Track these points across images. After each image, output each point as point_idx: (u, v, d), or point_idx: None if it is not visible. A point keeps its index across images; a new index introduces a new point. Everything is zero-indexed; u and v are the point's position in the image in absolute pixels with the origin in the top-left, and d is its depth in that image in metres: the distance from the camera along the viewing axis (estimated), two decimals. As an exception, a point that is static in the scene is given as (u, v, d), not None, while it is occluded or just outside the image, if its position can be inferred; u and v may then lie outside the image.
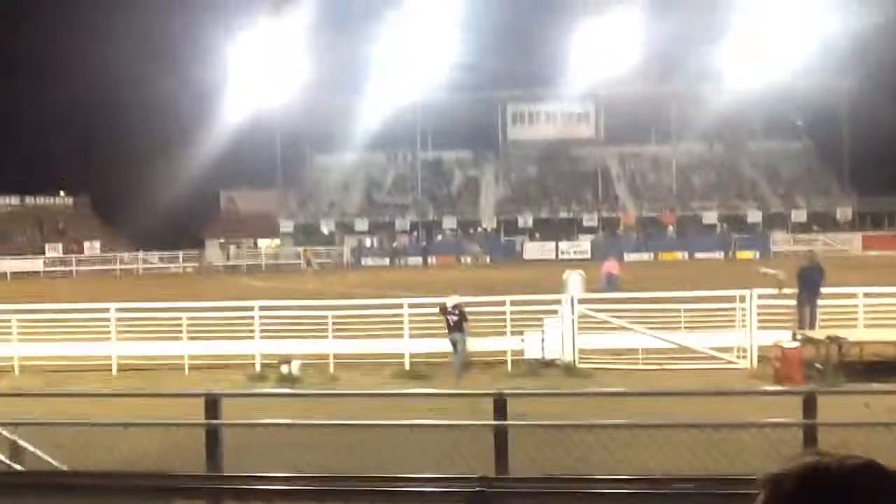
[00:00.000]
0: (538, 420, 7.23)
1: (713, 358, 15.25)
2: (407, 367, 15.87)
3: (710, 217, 62.14)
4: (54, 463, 6.80)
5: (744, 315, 15.59)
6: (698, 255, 54.76)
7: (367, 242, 62.77)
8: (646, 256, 54.97)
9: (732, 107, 58.80)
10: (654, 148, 69.91)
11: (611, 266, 25.34)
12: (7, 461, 6.72)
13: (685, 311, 15.73)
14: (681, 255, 55.71)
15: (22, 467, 6.55)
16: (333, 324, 16.19)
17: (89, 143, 68.19)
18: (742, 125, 66.11)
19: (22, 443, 6.89)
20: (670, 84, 62.24)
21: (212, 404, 6.14)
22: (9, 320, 17.11)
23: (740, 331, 15.62)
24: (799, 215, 61.38)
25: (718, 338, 15.63)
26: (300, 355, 15.73)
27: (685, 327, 15.67)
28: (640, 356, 15.37)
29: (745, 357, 15.45)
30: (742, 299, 15.68)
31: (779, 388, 12.27)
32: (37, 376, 15.98)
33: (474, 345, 15.89)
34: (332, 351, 16.04)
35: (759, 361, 15.12)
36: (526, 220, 63.45)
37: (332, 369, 15.82)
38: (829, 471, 1.15)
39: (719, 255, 54.56)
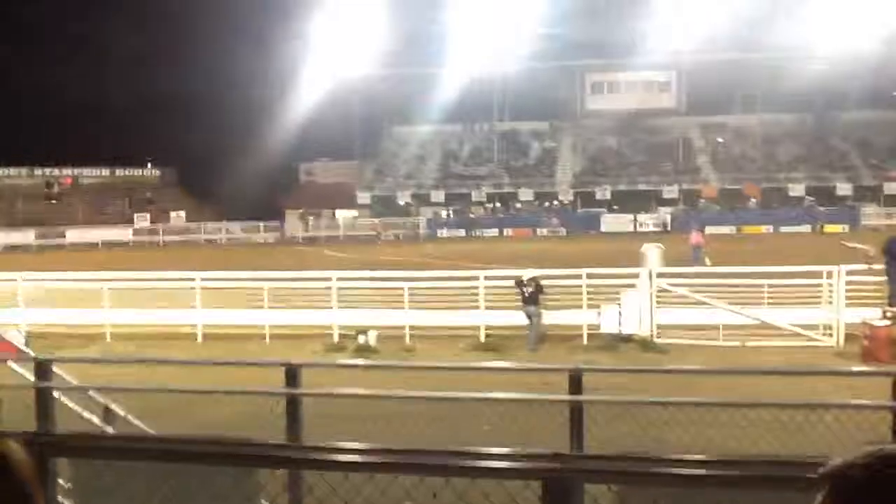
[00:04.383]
0: (614, 396, 7.17)
1: (797, 335, 14.83)
2: (482, 339, 15.92)
3: (797, 189, 60.07)
4: (143, 427, 7.10)
5: (830, 291, 15.08)
6: (783, 229, 53.14)
7: (443, 214, 62.95)
8: (727, 230, 53.61)
9: (822, 75, 56.48)
10: (738, 118, 67.81)
11: (696, 238, 25.20)
12: (101, 424, 7.04)
13: (768, 286, 15.29)
14: (765, 229, 54.13)
15: (113, 430, 6.85)
16: (409, 295, 16.33)
17: (176, 118, 70.13)
18: (832, 94, 63.41)
19: (114, 406, 7.19)
20: (756, 51, 59.98)
21: (292, 373, 6.29)
22: (101, 288, 17.82)
23: (826, 308, 15.13)
24: (892, 188, 58.79)
25: (803, 314, 15.17)
26: (377, 326, 15.95)
27: (768, 303, 15.24)
28: (720, 332, 15.04)
29: (830, 335, 14.97)
30: (829, 275, 15.17)
31: (866, 367, 11.86)
32: (127, 342, 16.65)
33: (550, 318, 15.82)
34: (408, 322, 16.21)
35: (845, 340, 14.64)
36: (604, 192, 62.55)
37: (407, 340, 15.99)
38: (895, 459, 1.11)
39: (806, 228, 52.83)
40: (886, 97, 65.19)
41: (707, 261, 22.87)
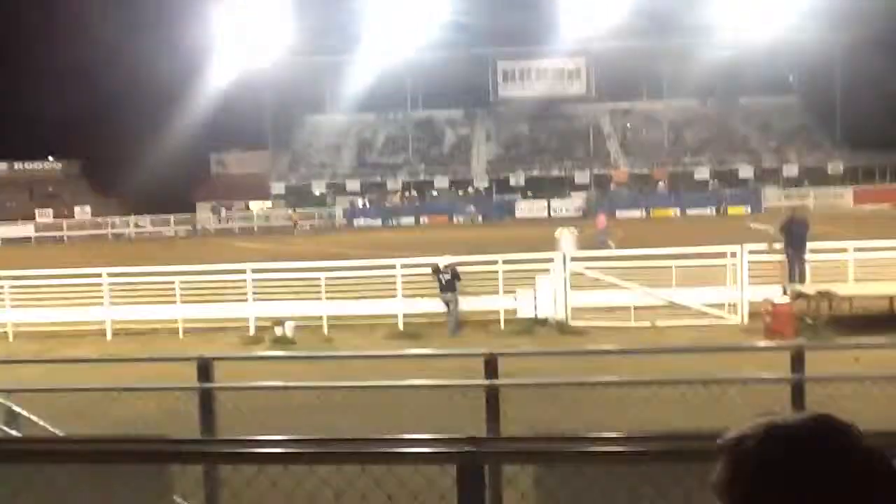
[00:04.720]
0: (530, 379, 7.28)
1: (704, 314, 15.35)
2: (401, 327, 15.94)
3: (703, 173, 62.12)
4: (50, 428, 6.84)
5: (735, 271, 15.66)
6: (690, 212, 54.89)
7: (360, 203, 62.64)
8: (637, 213, 55.07)
9: (725, 62, 58.47)
10: (645, 104, 69.63)
11: (600, 222, 25.94)
12: (3, 427, 6.75)
13: (676, 267, 15.77)
14: (673, 212, 55.80)
15: (18, 433, 6.58)
16: (326, 285, 16.21)
17: (78, 108, 67.47)
18: (734, 81, 65.78)
19: (17, 409, 6.91)
20: (662, 40, 61.68)
21: (204, 368, 6.17)
22: (1, 286, 17.09)
23: (731, 286, 15.70)
24: (790, 170, 61.40)
25: (710, 294, 15.70)
26: (294, 317, 15.78)
27: (677, 284, 15.73)
28: (632, 313, 15.44)
29: (735, 313, 15.55)
30: (733, 255, 15.74)
31: (768, 343, 12.37)
32: (31, 342, 16.02)
33: (467, 304, 15.95)
34: (325, 312, 16.09)
35: (750, 317, 15.22)
36: (518, 178, 63.33)
37: (325, 331, 15.88)
38: (783, 428, 1.18)
39: (711, 211, 54.69)
40: (784, 83, 67.95)
41: (611, 243, 23.50)
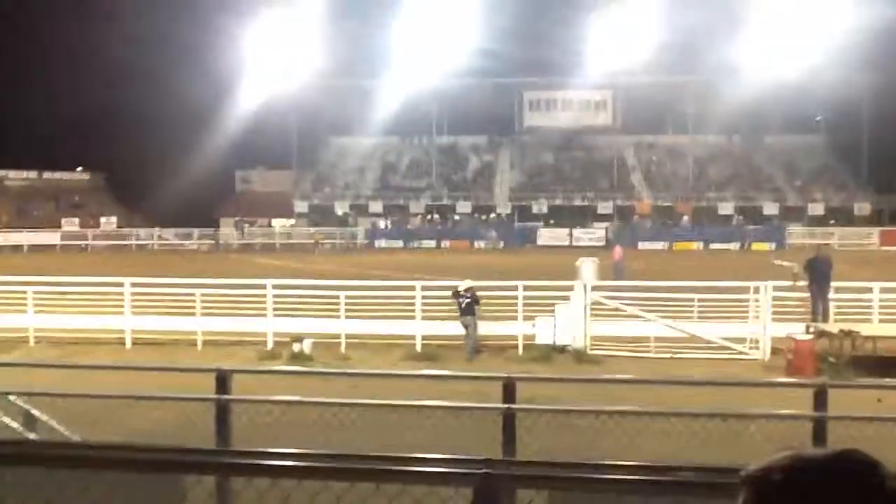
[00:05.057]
0: (547, 405, 7.23)
1: (725, 348, 15.21)
2: (418, 349, 15.91)
3: (727, 208, 61.73)
4: (66, 433, 6.88)
5: (757, 306, 15.52)
6: (713, 246, 54.53)
7: (381, 224, 62.81)
8: (660, 245, 54.76)
9: (751, 99, 58.22)
10: (670, 138, 69.49)
11: (616, 253, 26.02)
12: (21, 429, 6.80)
13: (699, 300, 15.66)
14: (696, 246, 55.45)
15: (35, 436, 6.63)
16: (346, 304, 16.23)
17: (107, 121, 68.42)
18: (760, 118, 65.45)
19: (35, 412, 6.96)
20: (689, 74, 61.67)
21: (222, 380, 6.19)
22: (25, 292, 17.26)
23: (754, 322, 15.55)
24: (816, 209, 60.88)
25: (731, 328, 15.57)
26: (312, 334, 15.80)
27: (698, 317, 15.61)
28: (651, 345, 15.33)
29: (757, 348, 15.39)
30: (756, 290, 15.61)
31: (790, 379, 12.21)
32: (51, 348, 16.14)
33: (486, 329, 15.90)
34: (344, 331, 16.10)
35: (771, 353, 15.07)
36: (540, 206, 63.27)
37: (343, 349, 15.88)
38: (811, 461, 1.16)
39: (734, 246, 54.30)
40: (810, 122, 67.61)
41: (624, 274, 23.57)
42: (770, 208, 61.43)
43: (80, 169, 75.41)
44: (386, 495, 2.97)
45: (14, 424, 6.74)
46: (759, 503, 1.16)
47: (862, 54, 54.15)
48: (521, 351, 15.74)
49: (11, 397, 7.02)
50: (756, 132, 67.55)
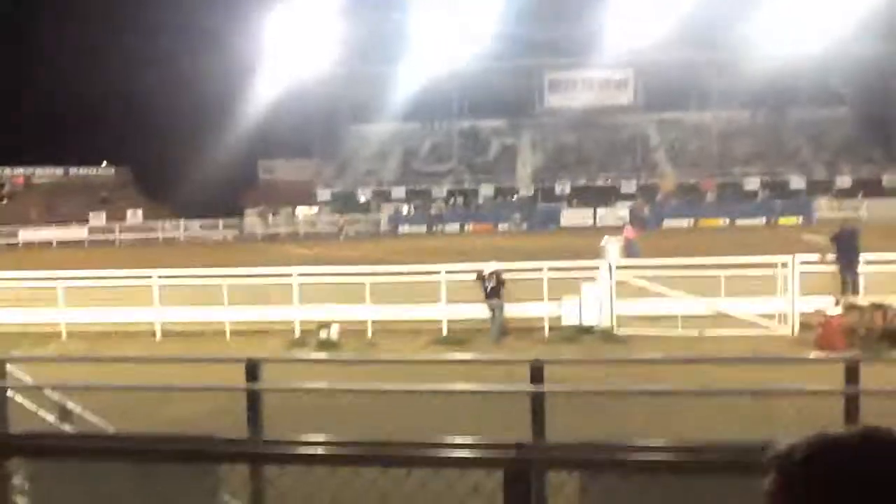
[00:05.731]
0: (576, 386, 7.22)
1: (754, 325, 15.08)
2: (444, 333, 15.94)
3: (752, 183, 61.07)
4: (100, 425, 6.99)
5: (786, 281, 15.36)
6: (739, 222, 54.01)
7: (404, 210, 62.87)
8: (685, 223, 54.34)
9: (775, 73, 57.41)
10: (694, 115, 68.74)
11: (628, 232, 25.49)
12: (57, 423, 6.91)
13: (725, 277, 15.52)
14: (722, 222, 54.96)
15: (70, 429, 6.73)
16: (371, 290, 16.29)
17: (131, 115, 68.96)
18: (785, 92, 64.55)
19: (70, 405, 7.07)
20: (711, 50, 60.87)
21: (252, 369, 6.24)
22: (55, 286, 17.49)
23: (782, 297, 15.40)
24: (843, 182, 60.05)
25: (760, 304, 15.42)
26: (339, 321, 15.87)
27: (725, 294, 15.47)
28: (679, 323, 15.23)
29: (786, 324, 15.25)
30: (784, 265, 15.44)
31: (821, 355, 12.10)
32: (83, 341, 16.37)
33: (512, 311, 15.89)
34: (370, 317, 16.16)
35: (801, 328, 14.92)
36: (563, 187, 62.98)
37: (370, 335, 15.95)
38: (836, 440, 1.16)
39: (761, 221, 53.75)
40: (836, 95, 66.57)
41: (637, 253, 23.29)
42: (797, 182, 60.70)
43: (104, 164, 76.18)
44: (419, 479, 3.00)
45: (50, 418, 6.86)
46: (785, 484, 1.17)
47: (887, 24, 53.14)
48: (547, 332, 15.72)
49: (46, 391, 7.14)
50: (781, 106, 66.63)
